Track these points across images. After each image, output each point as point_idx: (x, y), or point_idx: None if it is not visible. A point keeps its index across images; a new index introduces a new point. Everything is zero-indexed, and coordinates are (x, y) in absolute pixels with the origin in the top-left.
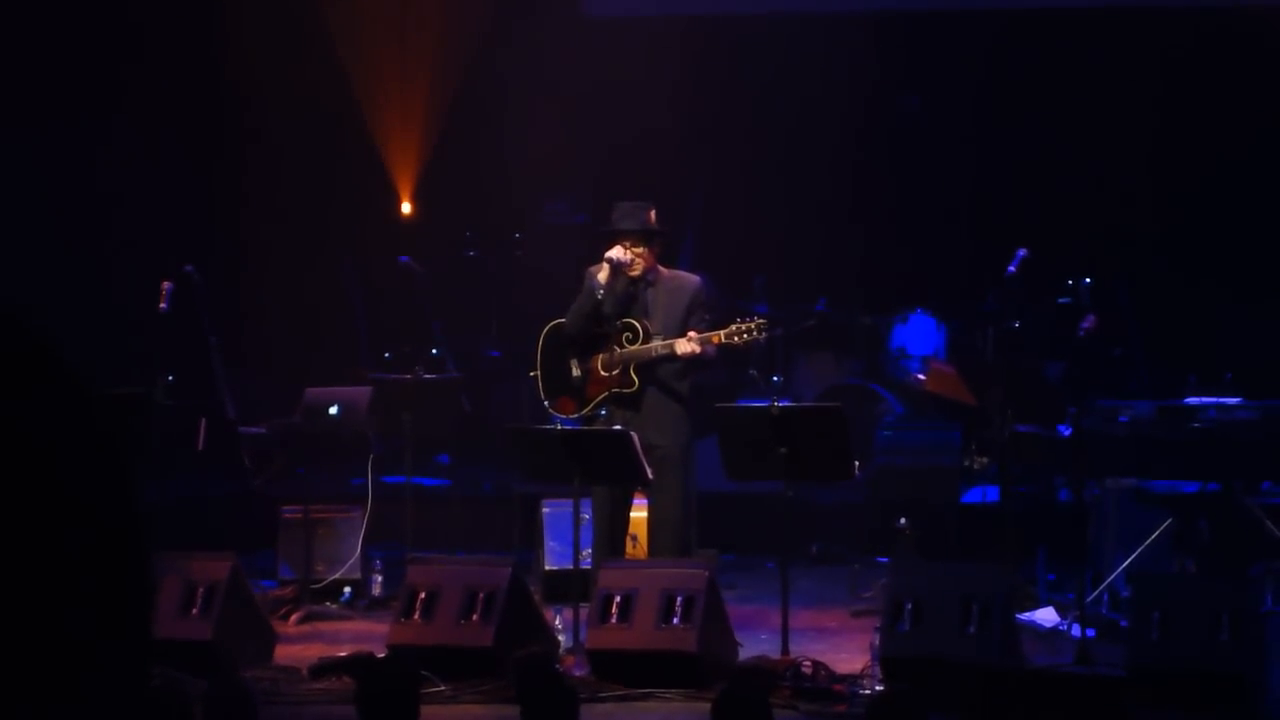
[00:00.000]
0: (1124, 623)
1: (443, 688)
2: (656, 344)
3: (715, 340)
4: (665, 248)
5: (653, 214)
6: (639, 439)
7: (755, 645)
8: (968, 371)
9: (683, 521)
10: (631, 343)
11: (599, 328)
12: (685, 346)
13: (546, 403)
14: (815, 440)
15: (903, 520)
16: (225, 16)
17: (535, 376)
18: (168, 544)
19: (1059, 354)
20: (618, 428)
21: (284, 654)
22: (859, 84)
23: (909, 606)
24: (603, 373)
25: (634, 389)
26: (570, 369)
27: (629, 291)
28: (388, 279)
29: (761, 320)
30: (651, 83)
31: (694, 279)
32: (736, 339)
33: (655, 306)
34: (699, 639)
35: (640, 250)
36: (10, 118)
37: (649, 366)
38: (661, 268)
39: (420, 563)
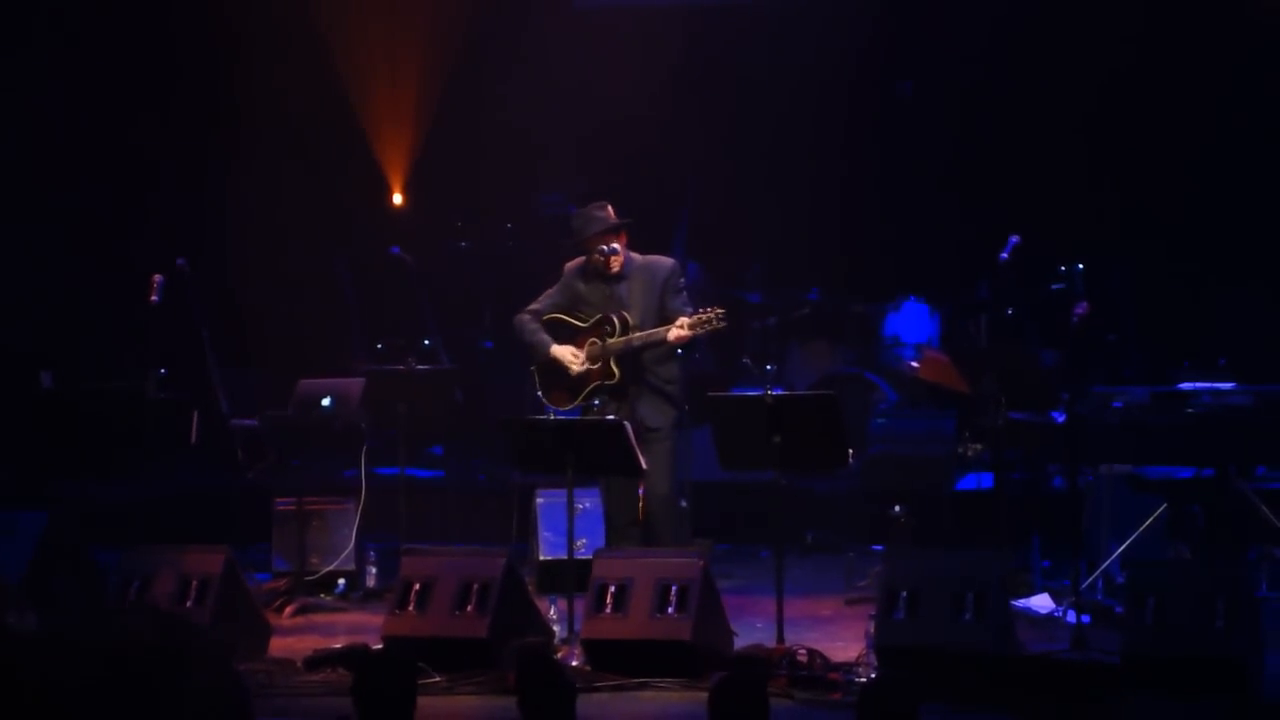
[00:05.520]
0: (1119, 609)
1: (438, 679)
2: (634, 336)
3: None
4: (633, 233)
5: (610, 208)
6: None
7: (750, 634)
8: (961, 359)
9: (674, 496)
10: (611, 335)
11: (582, 322)
12: (676, 333)
13: (541, 394)
14: (809, 429)
15: (897, 508)
16: (215, 8)
17: (534, 372)
18: (161, 537)
19: (1052, 341)
20: (611, 417)
21: (279, 646)
22: (851, 70)
23: (904, 594)
24: (589, 365)
25: (616, 380)
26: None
27: (605, 286)
28: (379, 270)
29: (720, 310)
30: (643, 72)
31: (667, 261)
32: (696, 329)
33: (631, 296)
34: (694, 628)
35: (617, 245)
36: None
37: (630, 356)
38: (634, 255)
39: (414, 554)
